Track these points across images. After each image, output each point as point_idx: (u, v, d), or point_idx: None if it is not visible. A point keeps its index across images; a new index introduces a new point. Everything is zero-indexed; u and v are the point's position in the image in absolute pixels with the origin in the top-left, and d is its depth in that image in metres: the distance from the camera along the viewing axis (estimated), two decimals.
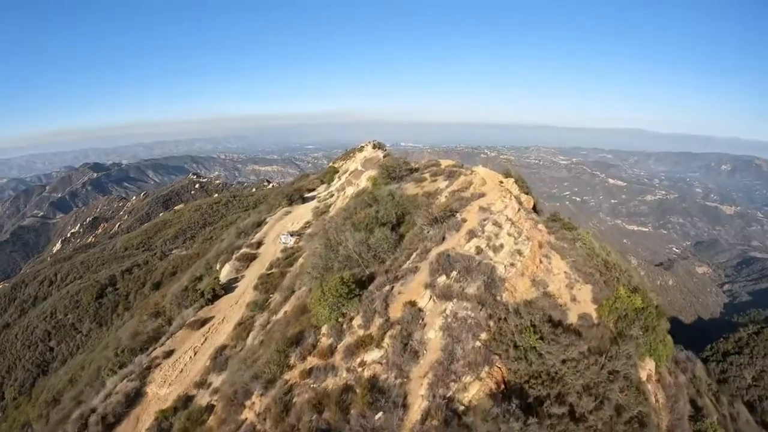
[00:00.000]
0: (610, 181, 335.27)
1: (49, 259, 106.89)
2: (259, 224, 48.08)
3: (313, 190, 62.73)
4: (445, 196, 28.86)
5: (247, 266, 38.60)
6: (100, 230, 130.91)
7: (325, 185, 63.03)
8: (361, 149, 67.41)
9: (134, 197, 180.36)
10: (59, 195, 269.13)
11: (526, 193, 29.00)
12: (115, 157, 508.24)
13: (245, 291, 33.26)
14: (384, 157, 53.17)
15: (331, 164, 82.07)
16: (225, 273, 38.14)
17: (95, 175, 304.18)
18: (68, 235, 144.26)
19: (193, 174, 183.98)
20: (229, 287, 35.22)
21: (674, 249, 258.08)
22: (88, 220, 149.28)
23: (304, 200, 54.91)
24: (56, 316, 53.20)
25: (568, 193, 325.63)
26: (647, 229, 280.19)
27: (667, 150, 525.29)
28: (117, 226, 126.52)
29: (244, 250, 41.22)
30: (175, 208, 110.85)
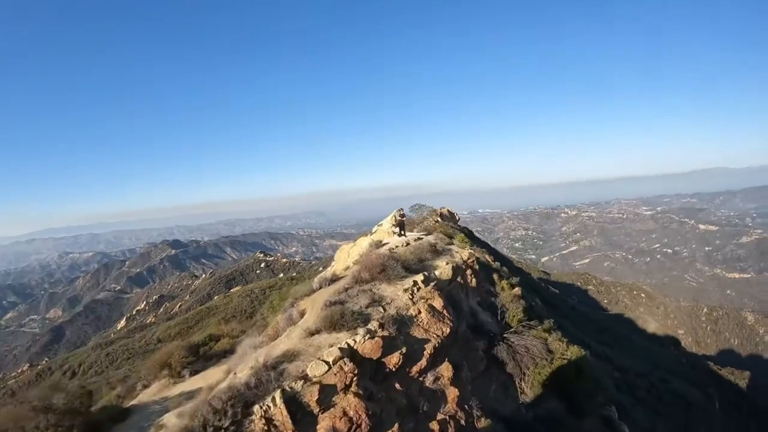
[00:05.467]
0: (701, 227, 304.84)
1: (97, 339, 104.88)
2: None
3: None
4: None
5: None
6: (161, 310, 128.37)
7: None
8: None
9: (203, 275, 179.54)
10: (137, 270, 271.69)
11: None
12: (198, 234, 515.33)
13: None
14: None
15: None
16: None
17: (173, 251, 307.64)
18: (134, 312, 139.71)
19: (260, 252, 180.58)
20: None
21: None
22: (154, 297, 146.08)
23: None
24: None
25: (657, 245, 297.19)
26: (749, 275, 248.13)
27: (752, 185, 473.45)
28: (178, 306, 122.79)
29: None
30: (231, 290, 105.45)
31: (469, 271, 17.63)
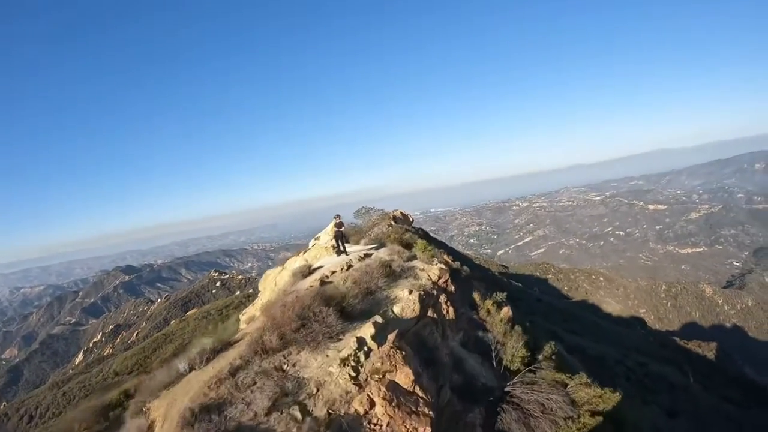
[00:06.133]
0: (650, 207, 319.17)
1: (56, 377, 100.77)
2: None
3: None
4: None
5: None
6: (118, 340, 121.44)
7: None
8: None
9: (159, 300, 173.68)
10: (91, 300, 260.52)
11: None
12: (151, 258, 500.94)
13: None
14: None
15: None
16: None
17: (126, 277, 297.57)
18: (90, 344, 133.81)
19: (215, 271, 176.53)
20: None
21: (734, 263, 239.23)
22: (110, 327, 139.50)
23: None
24: None
25: (609, 228, 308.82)
26: (701, 249, 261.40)
27: (696, 162, 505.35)
28: (135, 334, 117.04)
29: None
30: (188, 313, 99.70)
31: (443, 298, 11.82)
